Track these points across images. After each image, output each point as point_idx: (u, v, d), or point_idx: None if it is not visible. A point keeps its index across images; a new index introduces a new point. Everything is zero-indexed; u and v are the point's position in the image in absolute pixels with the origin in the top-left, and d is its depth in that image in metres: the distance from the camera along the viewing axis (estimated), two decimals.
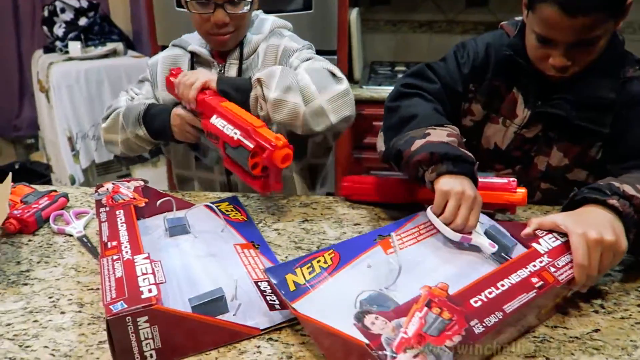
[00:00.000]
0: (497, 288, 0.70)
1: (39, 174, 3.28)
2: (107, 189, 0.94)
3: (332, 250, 0.77)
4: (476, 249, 0.81)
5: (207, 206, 1.01)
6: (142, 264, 0.70)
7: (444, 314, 0.65)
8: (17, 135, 3.42)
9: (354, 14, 2.15)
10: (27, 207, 1.00)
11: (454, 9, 2.48)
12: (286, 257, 0.89)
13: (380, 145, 1.04)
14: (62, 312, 0.75)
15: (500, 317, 0.66)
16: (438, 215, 0.84)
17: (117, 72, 2.75)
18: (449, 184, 0.82)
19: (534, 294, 0.70)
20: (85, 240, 0.93)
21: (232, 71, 1.17)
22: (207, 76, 1.06)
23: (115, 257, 0.71)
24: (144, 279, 0.66)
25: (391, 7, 2.51)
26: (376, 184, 1.05)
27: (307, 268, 0.73)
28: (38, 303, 0.77)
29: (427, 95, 1.01)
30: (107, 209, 0.87)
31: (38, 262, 0.88)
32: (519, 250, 0.80)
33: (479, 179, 0.96)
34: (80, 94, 2.66)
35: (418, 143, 0.87)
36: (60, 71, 2.61)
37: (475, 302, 0.67)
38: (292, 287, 0.70)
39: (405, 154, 0.88)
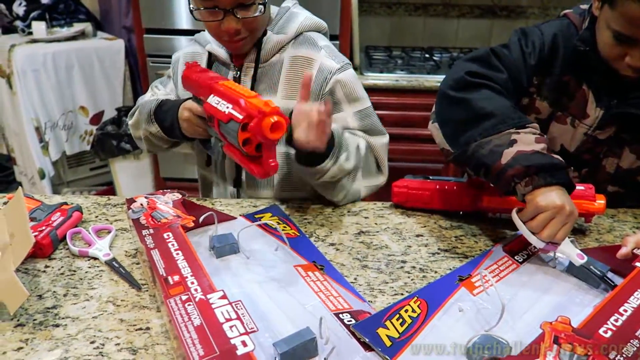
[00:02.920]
0: (621, 314, 0.65)
1: None
2: (142, 205, 0.81)
3: (416, 298, 0.71)
4: (559, 275, 0.78)
5: (250, 219, 0.90)
6: (220, 306, 0.58)
7: (577, 349, 0.59)
8: None
9: None
10: (38, 225, 0.85)
11: None
12: (355, 278, 0.79)
13: (441, 141, 0.93)
14: None
15: (638, 345, 0.60)
16: (525, 222, 0.78)
17: (88, 56, 2.52)
18: (547, 199, 0.75)
19: None
20: (116, 264, 0.80)
21: (248, 76, 1.02)
22: None
23: (184, 297, 0.59)
24: (231, 327, 0.55)
25: None
26: (435, 191, 0.95)
27: (397, 319, 0.66)
28: (80, 350, 0.64)
29: (496, 86, 0.89)
30: (152, 231, 0.74)
31: (65, 295, 0.74)
32: (612, 275, 0.76)
33: None
34: (48, 80, 2.42)
35: (508, 154, 0.78)
36: (24, 54, 2.36)
37: (605, 332, 0.62)
38: (387, 343, 0.63)
39: (494, 167, 0.79)
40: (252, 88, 1.01)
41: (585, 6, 0.96)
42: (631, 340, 0.60)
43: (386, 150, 1.04)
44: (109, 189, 2.65)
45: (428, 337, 0.64)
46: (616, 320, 0.63)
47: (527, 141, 0.79)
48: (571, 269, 0.77)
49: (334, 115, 1.00)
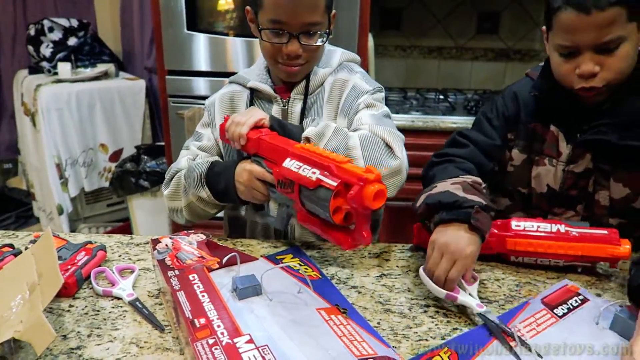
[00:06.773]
0: None
1: (17, 201, 3.07)
2: (167, 246, 0.82)
3: (447, 349, 0.71)
4: (602, 332, 0.74)
5: (271, 260, 0.90)
6: (247, 351, 0.58)
7: None
8: None
9: (370, 40, 2.08)
10: (64, 265, 0.86)
11: (463, 36, 2.45)
12: (378, 322, 0.78)
13: None
14: None
15: None
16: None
17: (109, 95, 2.60)
18: (437, 235, 0.81)
19: None
20: (139, 305, 0.80)
21: (296, 106, 1.06)
22: (260, 114, 0.96)
23: (210, 341, 0.59)
24: None
25: (401, 33, 2.45)
26: None
27: None
28: None
29: (457, 159, 1.02)
30: (177, 272, 0.74)
31: (89, 336, 0.74)
32: None
33: (575, 229, 0.89)
34: (71, 118, 2.49)
35: (421, 198, 0.88)
36: (49, 94, 2.44)
37: None
38: None
39: (414, 210, 0.90)
40: (302, 118, 1.05)
41: (542, 64, 1.04)
42: None
43: (397, 138, 0.97)
44: (125, 225, 2.67)
45: None
46: None
47: (442, 186, 0.87)
48: (615, 326, 0.73)
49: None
